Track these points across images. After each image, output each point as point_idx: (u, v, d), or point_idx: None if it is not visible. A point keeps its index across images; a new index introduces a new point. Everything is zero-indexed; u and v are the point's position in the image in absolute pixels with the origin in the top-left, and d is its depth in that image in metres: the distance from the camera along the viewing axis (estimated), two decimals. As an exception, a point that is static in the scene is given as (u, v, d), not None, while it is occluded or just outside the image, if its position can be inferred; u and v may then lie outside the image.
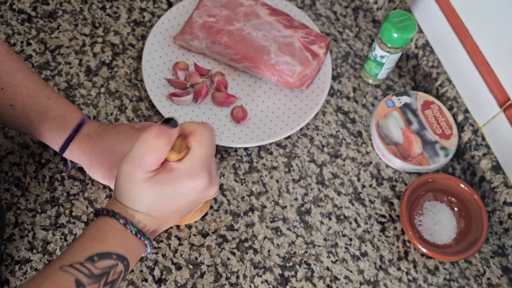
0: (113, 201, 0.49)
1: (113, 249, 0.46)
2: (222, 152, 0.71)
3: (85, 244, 0.45)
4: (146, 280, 0.61)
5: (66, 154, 0.61)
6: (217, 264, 0.63)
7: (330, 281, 0.63)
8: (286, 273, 0.63)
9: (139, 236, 0.47)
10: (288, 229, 0.66)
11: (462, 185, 0.68)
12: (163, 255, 0.63)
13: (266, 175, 0.70)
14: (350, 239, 0.66)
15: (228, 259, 0.63)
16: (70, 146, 0.60)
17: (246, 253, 0.64)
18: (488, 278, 0.66)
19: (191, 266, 0.62)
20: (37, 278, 0.43)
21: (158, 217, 0.48)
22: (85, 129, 0.60)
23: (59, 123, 0.59)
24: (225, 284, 0.62)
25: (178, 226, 0.64)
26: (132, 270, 0.61)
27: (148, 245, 0.49)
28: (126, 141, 0.59)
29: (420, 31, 0.78)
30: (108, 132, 0.60)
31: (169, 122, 0.46)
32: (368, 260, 0.65)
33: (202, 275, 0.62)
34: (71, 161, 0.65)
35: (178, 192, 0.47)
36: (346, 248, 0.66)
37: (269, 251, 0.64)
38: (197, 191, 0.48)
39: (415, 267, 0.66)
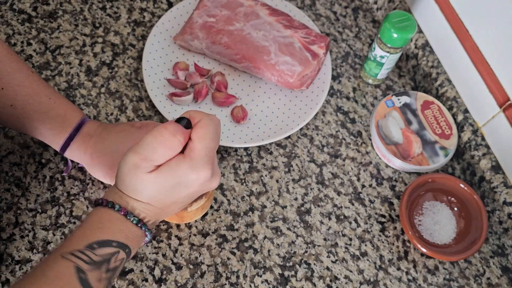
0: (113, 190, 0.49)
1: (113, 237, 0.46)
2: (222, 152, 0.71)
3: (85, 233, 0.46)
4: (146, 280, 0.61)
5: (67, 154, 0.61)
6: (217, 264, 0.63)
7: (330, 281, 0.64)
8: (286, 273, 0.63)
9: (139, 225, 0.48)
10: (288, 229, 0.66)
11: (461, 185, 0.68)
12: (163, 255, 0.63)
13: (266, 175, 0.70)
14: (350, 239, 0.67)
15: (228, 259, 0.63)
16: (71, 146, 0.60)
17: (246, 253, 0.64)
18: (488, 278, 0.66)
19: (191, 266, 0.62)
20: (39, 267, 0.44)
21: (159, 207, 0.49)
22: (85, 129, 0.61)
23: (60, 122, 0.60)
24: (225, 284, 0.62)
25: (178, 226, 0.65)
26: (132, 270, 0.61)
27: (148, 235, 0.50)
28: (127, 140, 0.59)
29: (420, 31, 0.78)
30: (109, 131, 0.60)
31: (183, 122, 0.47)
32: (368, 260, 0.65)
33: (202, 275, 0.62)
34: (72, 161, 0.65)
35: (180, 183, 0.47)
36: (346, 248, 0.66)
37: (269, 251, 0.64)
38: (199, 183, 0.48)
39: (415, 267, 0.66)
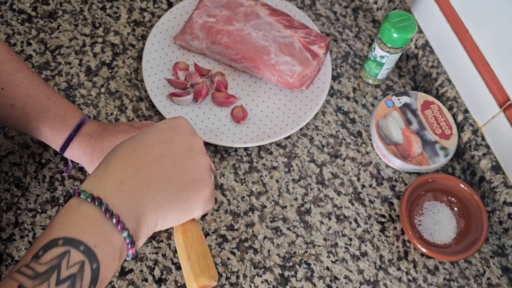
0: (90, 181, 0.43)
1: (58, 232, 0.37)
2: (222, 152, 0.71)
3: (35, 242, 0.38)
4: (146, 280, 0.61)
5: (67, 154, 0.61)
6: (217, 264, 0.63)
7: (330, 281, 0.63)
8: (286, 273, 0.63)
9: (96, 203, 0.39)
10: (288, 229, 0.66)
11: (462, 185, 0.68)
12: (163, 255, 0.63)
13: (266, 175, 0.70)
14: (350, 239, 0.67)
15: (228, 259, 0.63)
16: (71, 145, 0.60)
17: (246, 253, 0.64)
18: (488, 278, 0.66)
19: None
20: None
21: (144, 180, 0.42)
22: (85, 128, 0.61)
23: (59, 122, 0.60)
24: (225, 284, 0.62)
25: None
26: (132, 270, 0.61)
27: (123, 230, 0.39)
28: None
29: (420, 31, 0.78)
30: (109, 131, 0.60)
31: None
32: (368, 260, 0.65)
33: (202, 275, 0.62)
34: (72, 161, 0.65)
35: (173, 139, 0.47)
36: (346, 248, 0.66)
37: (269, 251, 0.64)
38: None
39: (415, 267, 0.66)
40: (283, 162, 0.71)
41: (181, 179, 0.46)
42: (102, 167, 0.43)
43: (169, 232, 0.64)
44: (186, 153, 0.47)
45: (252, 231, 0.65)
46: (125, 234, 0.40)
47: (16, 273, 0.36)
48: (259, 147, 0.72)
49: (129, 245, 0.41)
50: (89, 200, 0.39)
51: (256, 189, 0.68)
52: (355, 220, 0.68)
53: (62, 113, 0.60)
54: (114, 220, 0.39)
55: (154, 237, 0.63)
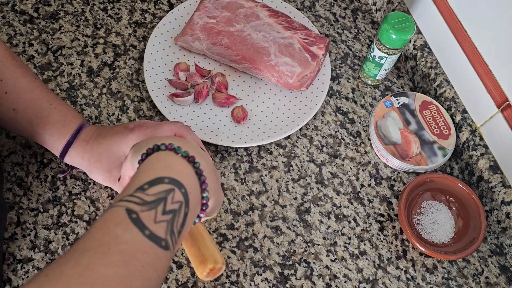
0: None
1: (163, 172, 0.43)
2: (222, 152, 0.71)
3: (134, 180, 0.43)
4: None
5: (67, 160, 0.61)
6: (218, 263, 0.63)
7: (329, 279, 0.64)
8: (286, 272, 0.64)
9: (190, 161, 0.45)
10: (288, 228, 0.67)
11: (460, 185, 0.68)
12: (164, 254, 0.63)
13: (266, 175, 0.70)
14: (349, 238, 0.67)
15: (229, 257, 0.64)
16: (69, 152, 0.60)
17: (246, 252, 0.64)
18: (486, 277, 0.66)
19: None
20: (92, 225, 0.41)
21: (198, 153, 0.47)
22: (82, 135, 0.60)
23: (59, 128, 0.60)
24: (226, 283, 0.62)
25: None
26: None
27: (201, 181, 0.46)
28: (121, 143, 0.58)
29: (419, 32, 0.78)
30: (104, 135, 0.60)
31: None
32: (367, 258, 0.66)
33: (202, 274, 0.62)
34: (72, 166, 0.65)
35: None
36: (345, 247, 0.66)
37: (269, 249, 0.65)
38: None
39: (413, 265, 0.66)
40: (283, 162, 0.72)
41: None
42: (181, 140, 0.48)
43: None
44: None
45: (252, 230, 0.66)
46: (205, 194, 0.46)
47: (121, 201, 0.41)
48: (259, 147, 0.72)
49: (203, 207, 0.47)
50: (185, 155, 0.45)
51: (256, 188, 0.69)
52: (354, 219, 0.68)
53: (62, 119, 0.60)
54: (202, 179, 0.46)
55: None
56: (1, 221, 0.57)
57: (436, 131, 0.71)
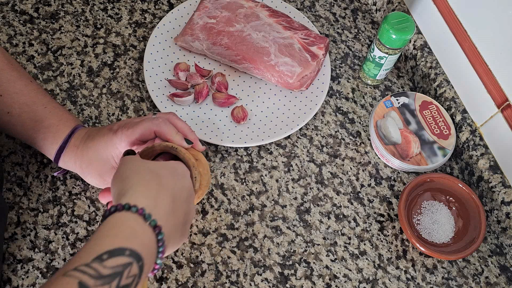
0: (122, 196, 0.45)
1: (126, 242, 0.41)
2: (222, 152, 0.71)
3: (94, 244, 0.40)
4: (147, 279, 0.61)
5: (61, 164, 0.60)
6: (218, 263, 0.63)
7: (329, 279, 0.64)
8: (286, 272, 0.64)
9: (156, 232, 0.43)
10: (288, 228, 0.67)
11: (460, 185, 0.68)
12: (164, 254, 0.63)
13: (266, 175, 0.70)
14: (349, 238, 0.67)
15: (229, 257, 0.64)
16: (62, 157, 0.59)
17: (246, 252, 0.64)
18: (486, 277, 0.66)
19: (191, 265, 0.63)
20: None
21: (168, 202, 0.46)
22: (73, 139, 0.59)
23: (52, 132, 0.59)
24: (226, 283, 0.62)
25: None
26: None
27: (159, 255, 0.45)
28: (108, 146, 0.57)
29: (419, 32, 0.78)
30: (92, 138, 0.58)
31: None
32: (367, 258, 0.66)
33: (202, 274, 0.62)
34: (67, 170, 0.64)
35: (177, 169, 0.50)
36: (345, 247, 0.66)
37: (269, 249, 0.65)
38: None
39: (413, 265, 0.66)
40: (283, 162, 0.72)
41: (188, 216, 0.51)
42: (153, 186, 0.46)
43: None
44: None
45: (252, 230, 0.66)
46: (160, 262, 0.45)
47: (75, 271, 0.38)
48: (259, 147, 0.72)
49: (154, 270, 0.46)
50: (152, 224, 0.44)
51: (256, 188, 0.69)
52: (354, 219, 0.69)
53: (56, 123, 0.59)
54: (162, 249, 0.45)
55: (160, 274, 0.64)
56: (0, 221, 0.57)
57: (436, 131, 0.71)
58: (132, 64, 0.76)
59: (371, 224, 0.68)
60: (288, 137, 0.74)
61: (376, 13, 0.86)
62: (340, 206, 0.69)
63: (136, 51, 0.78)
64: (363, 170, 0.72)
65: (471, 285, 0.66)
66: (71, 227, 0.63)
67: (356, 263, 0.65)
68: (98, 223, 0.64)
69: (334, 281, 0.64)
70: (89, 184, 0.66)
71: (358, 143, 0.74)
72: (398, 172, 0.73)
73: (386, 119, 0.72)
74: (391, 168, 0.73)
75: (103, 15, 0.80)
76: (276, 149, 0.72)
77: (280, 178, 0.70)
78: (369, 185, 0.71)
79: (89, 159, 0.58)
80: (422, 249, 0.64)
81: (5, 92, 0.58)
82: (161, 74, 0.75)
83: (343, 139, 0.74)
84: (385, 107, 0.73)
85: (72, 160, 0.59)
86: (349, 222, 0.68)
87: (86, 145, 0.58)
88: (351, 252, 0.66)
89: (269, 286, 0.63)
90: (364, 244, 0.67)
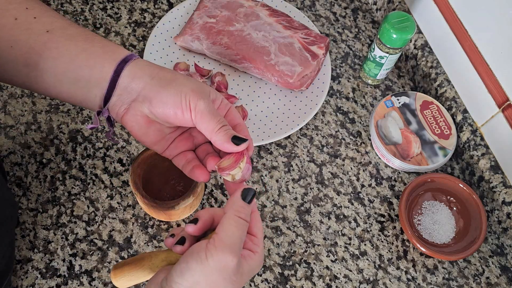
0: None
1: None
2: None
3: None
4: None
5: (123, 79, 0.46)
6: (218, 263, 0.63)
7: (330, 280, 0.64)
8: (286, 272, 0.64)
9: None
10: (288, 228, 0.67)
11: (461, 185, 0.68)
12: (164, 254, 0.63)
13: (266, 175, 0.70)
14: (350, 238, 0.67)
15: (228, 258, 0.64)
16: (128, 67, 0.46)
17: (246, 252, 0.64)
18: (487, 277, 0.66)
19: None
20: None
21: None
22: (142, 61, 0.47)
23: (113, 45, 0.48)
24: (225, 283, 0.62)
25: (178, 225, 0.65)
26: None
27: None
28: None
29: (419, 31, 0.78)
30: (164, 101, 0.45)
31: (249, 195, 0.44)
32: (367, 259, 0.66)
33: (202, 274, 0.62)
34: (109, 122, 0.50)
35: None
36: (346, 247, 0.66)
37: (269, 250, 0.65)
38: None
39: (414, 266, 0.66)
40: (283, 162, 0.71)
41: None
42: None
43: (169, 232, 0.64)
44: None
45: (252, 231, 0.66)
46: None
47: None
48: (259, 147, 0.72)
49: None
50: None
51: (256, 188, 0.69)
52: (355, 220, 0.68)
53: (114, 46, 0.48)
54: None
55: (154, 236, 0.64)
56: (12, 218, 0.53)
57: (437, 131, 0.71)
58: (131, 64, 0.76)
59: (371, 224, 0.68)
60: (288, 137, 0.73)
61: (377, 12, 0.85)
62: (341, 207, 0.69)
63: (135, 51, 0.77)
64: (363, 170, 0.72)
65: (472, 286, 0.65)
66: (70, 227, 0.63)
67: (356, 264, 0.65)
68: (98, 223, 0.64)
69: (335, 282, 0.64)
70: (88, 184, 0.66)
71: (359, 143, 0.74)
72: (399, 172, 0.72)
73: (386, 119, 0.72)
74: (391, 168, 0.73)
75: (102, 15, 0.80)
76: (276, 149, 0.72)
77: (280, 178, 0.70)
78: (369, 185, 0.71)
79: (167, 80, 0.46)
80: (423, 249, 0.64)
81: (40, 13, 0.48)
82: (161, 74, 0.74)
83: (344, 139, 0.74)
84: (385, 107, 0.72)
85: (147, 73, 0.46)
86: (350, 222, 0.68)
87: (160, 89, 0.45)
88: (351, 252, 0.66)
89: (269, 287, 0.62)
90: (365, 244, 0.67)
